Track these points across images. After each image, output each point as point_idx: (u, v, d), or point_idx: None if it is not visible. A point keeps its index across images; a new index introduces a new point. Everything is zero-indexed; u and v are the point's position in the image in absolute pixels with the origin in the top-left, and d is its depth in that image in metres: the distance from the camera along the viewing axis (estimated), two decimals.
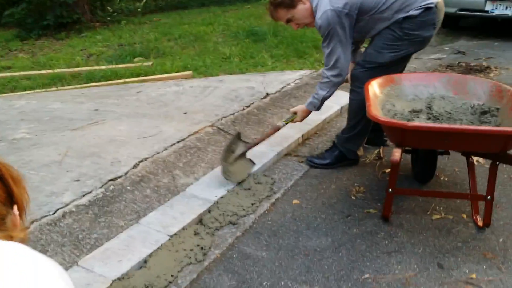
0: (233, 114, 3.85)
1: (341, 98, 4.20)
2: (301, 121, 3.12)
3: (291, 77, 4.79)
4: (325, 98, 2.95)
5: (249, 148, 3.06)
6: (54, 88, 5.00)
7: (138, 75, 5.21)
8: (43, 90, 4.99)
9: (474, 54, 5.92)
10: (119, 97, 4.42)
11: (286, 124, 3.11)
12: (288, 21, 2.84)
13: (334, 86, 2.90)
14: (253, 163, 3.02)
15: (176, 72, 5.23)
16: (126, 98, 4.40)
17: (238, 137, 3.08)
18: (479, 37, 6.87)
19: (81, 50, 6.98)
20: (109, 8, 10.38)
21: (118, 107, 4.13)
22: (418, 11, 2.63)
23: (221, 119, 3.73)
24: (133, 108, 4.07)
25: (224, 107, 3.99)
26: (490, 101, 2.26)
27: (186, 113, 3.90)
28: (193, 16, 9.81)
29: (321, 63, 5.47)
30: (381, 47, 2.77)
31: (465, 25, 7.51)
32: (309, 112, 3.06)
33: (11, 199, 1.18)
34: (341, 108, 4.07)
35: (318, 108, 3.02)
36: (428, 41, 2.79)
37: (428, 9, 2.63)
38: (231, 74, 5.15)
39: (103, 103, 4.24)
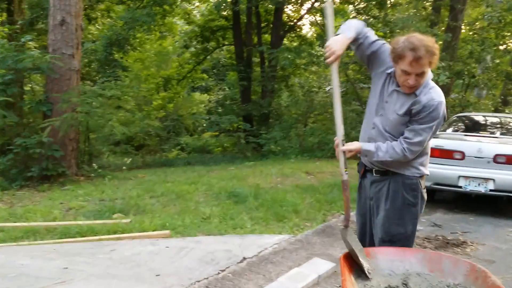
0: (207, 278, 3.74)
1: (319, 266, 4.13)
2: (348, 151, 2.76)
3: (269, 241, 4.75)
4: (379, 158, 2.77)
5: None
6: (26, 242, 4.85)
7: (115, 232, 5.12)
8: (15, 243, 4.83)
9: (451, 227, 6.01)
10: (91, 255, 4.29)
11: (346, 170, 2.73)
12: (421, 74, 2.61)
13: (395, 159, 2.74)
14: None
15: (154, 230, 5.15)
16: (98, 256, 4.27)
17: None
18: (455, 211, 7.04)
19: (61, 203, 6.93)
20: (94, 164, 10.63)
21: (88, 265, 3.98)
22: None
23: (194, 284, 3.59)
24: (104, 268, 3.92)
25: (198, 270, 3.88)
26: (466, 282, 2.22)
27: (158, 275, 3.76)
28: (178, 174, 10.05)
29: (300, 228, 5.48)
30: None
31: (440, 199, 7.74)
32: (359, 151, 2.82)
33: None
34: (319, 276, 3.95)
35: (368, 156, 2.86)
36: None
37: None
38: (209, 235, 5.10)
39: (73, 260, 4.09)
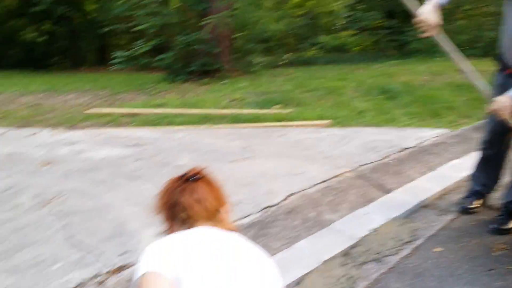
0: (371, 162, 4.06)
1: None
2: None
3: (427, 134, 4.89)
4: None
5: None
6: (204, 126, 5.60)
7: (279, 121, 5.65)
8: (195, 127, 5.61)
9: None
10: (264, 138, 4.86)
11: None
12: None
13: None
14: None
15: (315, 120, 5.58)
16: (270, 139, 4.82)
17: None
18: None
19: (224, 95, 7.68)
20: (249, 60, 11.26)
21: (264, 146, 4.54)
22: None
23: (361, 166, 3.95)
24: (278, 149, 4.45)
25: (362, 156, 4.21)
26: None
27: (326, 157, 4.18)
28: (323, 72, 10.30)
29: (456, 124, 5.50)
30: None
31: None
32: None
33: (220, 201, 1.55)
34: None
35: None
36: None
37: None
38: (366, 126, 5.38)
39: (250, 142, 4.69)
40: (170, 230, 1.49)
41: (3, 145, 4.94)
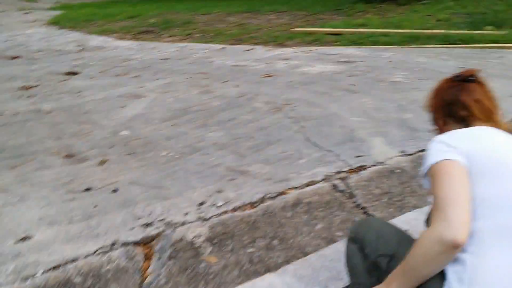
0: None
1: None
2: None
3: None
4: None
5: None
6: (412, 46, 5.47)
7: (495, 42, 5.24)
8: (401, 46, 5.51)
9: None
10: (481, 59, 4.59)
11: None
12: None
13: None
14: None
15: None
16: (488, 60, 4.54)
17: None
18: None
19: (427, 15, 7.30)
20: None
21: (483, 67, 4.30)
22: None
23: None
24: (499, 70, 4.19)
25: None
26: None
27: None
28: None
29: None
30: None
31: None
32: None
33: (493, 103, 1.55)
34: None
35: None
36: None
37: None
38: None
39: (466, 62, 4.47)
40: (444, 128, 1.56)
41: (226, 59, 5.52)
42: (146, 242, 1.95)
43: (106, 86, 4.53)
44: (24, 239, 1.97)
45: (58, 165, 2.74)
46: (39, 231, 2.02)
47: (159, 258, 1.84)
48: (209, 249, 1.90)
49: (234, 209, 2.16)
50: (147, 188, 2.41)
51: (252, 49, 6.04)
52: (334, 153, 2.72)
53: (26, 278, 1.71)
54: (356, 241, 1.40)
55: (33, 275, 1.72)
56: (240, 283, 1.74)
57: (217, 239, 1.95)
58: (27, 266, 1.78)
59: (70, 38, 8.10)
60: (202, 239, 1.95)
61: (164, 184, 2.44)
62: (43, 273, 1.74)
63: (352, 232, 1.43)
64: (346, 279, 1.70)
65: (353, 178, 2.43)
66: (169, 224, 2.05)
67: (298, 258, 1.86)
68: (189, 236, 1.96)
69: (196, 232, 1.99)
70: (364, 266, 1.37)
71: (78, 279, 1.71)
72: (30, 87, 4.62)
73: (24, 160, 2.81)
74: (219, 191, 2.34)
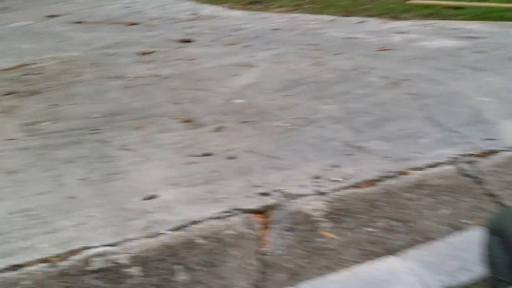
0: None
1: None
2: None
3: None
4: None
5: None
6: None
7: None
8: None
9: None
10: None
11: None
12: None
13: None
14: None
15: None
16: None
17: None
18: None
19: None
20: None
21: None
22: None
23: None
24: None
25: None
26: None
27: None
28: None
29: None
30: None
31: None
32: None
33: None
34: None
35: None
36: None
37: None
38: None
39: None
40: None
41: (337, 31, 5.35)
42: (263, 211, 1.95)
43: (219, 54, 4.59)
44: (150, 197, 2.06)
45: (178, 129, 2.83)
46: (164, 191, 2.11)
47: (277, 229, 1.84)
48: (327, 224, 1.86)
49: (353, 186, 2.10)
50: (263, 157, 2.41)
51: (365, 21, 5.80)
52: (460, 134, 2.53)
53: (153, 236, 1.79)
54: (498, 233, 1.29)
55: (160, 233, 1.80)
56: (358, 262, 1.69)
57: (335, 214, 1.91)
58: (154, 223, 1.86)
59: (184, 6, 8.33)
60: (319, 213, 1.91)
61: (279, 154, 2.43)
62: (168, 231, 1.81)
63: (493, 223, 1.31)
64: (476, 271, 1.59)
65: (483, 163, 2.25)
66: (285, 195, 2.04)
67: (420, 243, 1.77)
68: (307, 209, 1.93)
69: (313, 205, 1.96)
70: (507, 261, 1.26)
71: (200, 241, 1.76)
72: (148, 53, 4.82)
73: (146, 122, 2.94)
74: (335, 166, 2.28)
